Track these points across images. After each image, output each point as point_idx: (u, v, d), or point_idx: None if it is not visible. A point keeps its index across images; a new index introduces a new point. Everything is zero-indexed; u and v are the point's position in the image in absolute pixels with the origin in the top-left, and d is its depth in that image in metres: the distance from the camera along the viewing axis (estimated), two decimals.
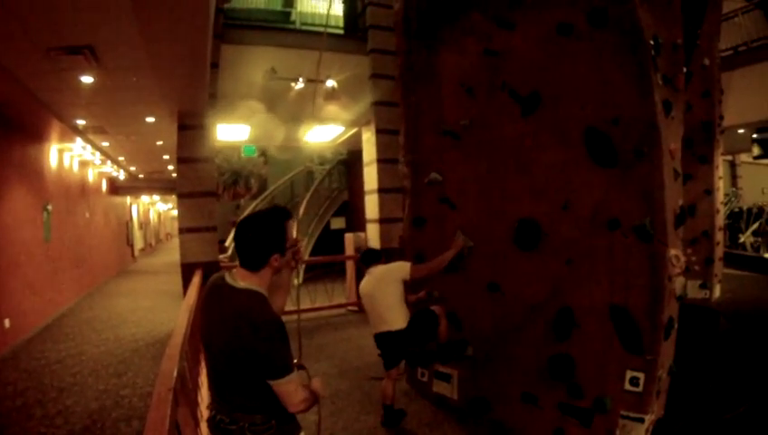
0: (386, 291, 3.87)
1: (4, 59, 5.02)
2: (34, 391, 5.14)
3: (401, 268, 3.91)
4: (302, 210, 12.70)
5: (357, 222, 12.12)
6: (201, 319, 1.88)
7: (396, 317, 3.86)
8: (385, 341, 3.93)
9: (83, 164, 11.73)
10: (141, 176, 17.17)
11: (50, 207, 9.02)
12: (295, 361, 1.77)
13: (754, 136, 11.91)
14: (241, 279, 1.77)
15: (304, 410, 1.76)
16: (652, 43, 3.12)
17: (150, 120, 8.32)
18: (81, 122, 8.33)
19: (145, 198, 24.29)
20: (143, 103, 7.26)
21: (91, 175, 12.80)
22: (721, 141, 7.66)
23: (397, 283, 3.88)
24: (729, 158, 17.67)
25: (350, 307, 8.47)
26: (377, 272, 3.98)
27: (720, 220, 7.69)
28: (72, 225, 10.78)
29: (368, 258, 4.11)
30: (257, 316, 1.66)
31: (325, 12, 7.70)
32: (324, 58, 7.38)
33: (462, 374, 4.14)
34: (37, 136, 8.48)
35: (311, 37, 8.20)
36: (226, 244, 12.28)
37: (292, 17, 9.57)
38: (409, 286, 4.14)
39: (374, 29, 8.41)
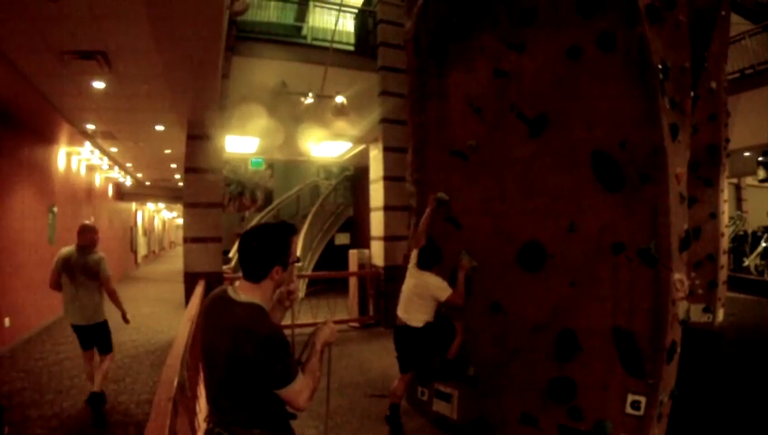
0: (421, 300, 3.99)
1: (18, 60, 5.08)
2: (31, 392, 5.14)
3: (443, 290, 3.93)
4: (306, 224, 12.69)
5: (361, 238, 12.12)
6: (201, 330, 1.88)
7: (419, 318, 3.98)
8: (402, 333, 4.05)
9: (91, 168, 11.79)
10: (148, 183, 17.25)
11: (55, 210, 9.07)
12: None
13: (760, 159, 11.85)
14: (243, 292, 1.78)
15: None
16: (660, 66, 3.14)
17: (160, 128, 8.38)
18: (90, 127, 8.40)
19: (150, 206, 24.35)
20: (153, 111, 7.32)
21: (97, 179, 12.86)
22: (727, 164, 7.65)
23: (433, 299, 3.97)
24: (734, 181, 17.61)
25: (351, 323, 8.45)
26: (426, 278, 4.00)
27: (725, 244, 7.65)
28: (76, 228, 10.79)
29: (426, 261, 4.07)
30: (257, 330, 1.66)
31: (336, 27, 7.77)
32: (334, 74, 7.45)
33: (462, 394, 4.11)
34: (46, 138, 8.55)
35: (321, 52, 8.27)
36: (230, 255, 12.28)
37: (304, 32, 9.64)
38: None
39: (384, 46, 8.49)
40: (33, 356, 6.52)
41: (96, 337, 4.68)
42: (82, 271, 4.52)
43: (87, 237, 4.68)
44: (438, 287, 3.94)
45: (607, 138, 3.21)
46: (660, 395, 3.00)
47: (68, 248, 4.67)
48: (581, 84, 3.34)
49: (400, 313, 4.10)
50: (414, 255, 4.19)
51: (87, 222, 4.90)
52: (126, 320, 4.86)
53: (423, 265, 4.05)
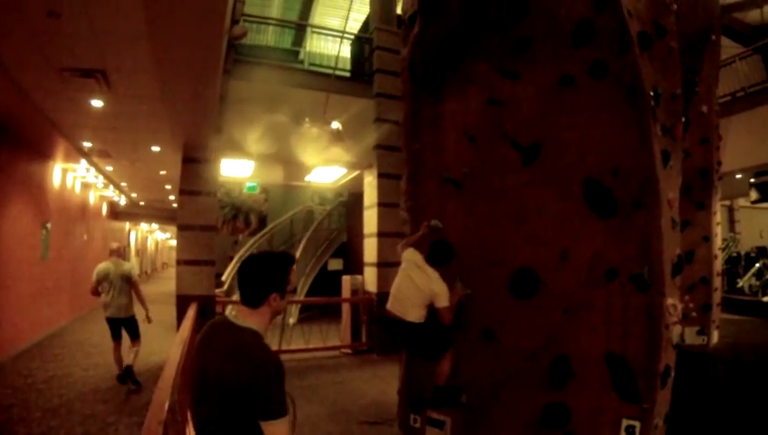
0: (419, 295, 3.85)
1: (17, 74, 5.09)
2: (19, 409, 5.08)
3: (443, 296, 3.79)
4: (300, 249, 12.65)
5: (355, 264, 12.00)
6: (196, 355, 1.88)
7: (414, 312, 3.86)
8: (398, 326, 3.93)
9: (86, 186, 11.79)
10: (142, 203, 17.20)
11: (49, 226, 9.05)
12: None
13: (752, 180, 11.92)
14: (241, 317, 1.81)
15: None
16: (652, 93, 3.20)
17: (156, 149, 8.40)
18: (87, 145, 8.41)
19: (144, 226, 24.31)
20: (150, 132, 7.35)
21: (92, 197, 12.85)
22: (719, 187, 7.71)
23: (430, 298, 3.83)
24: (727, 203, 17.74)
25: (343, 350, 8.37)
26: (433, 275, 3.86)
27: (718, 266, 7.67)
28: (69, 245, 10.77)
29: (438, 256, 3.95)
30: (256, 355, 1.68)
31: (333, 53, 7.85)
32: (330, 99, 7.51)
33: (455, 421, 4.04)
34: (43, 154, 8.57)
35: (317, 78, 8.35)
36: (223, 278, 12.21)
37: (301, 56, 9.73)
38: None
39: (380, 73, 8.52)
40: (21, 373, 6.45)
41: (127, 328, 6.11)
42: (119, 277, 5.98)
43: (116, 254, 6.25)
44: (441, 289, 3.79)
45: (599, 165, 3.25)
46: (655, 419, 3.00)
47: (103, 263, 6.10)
48: (574, 112, 3.39)
49: (396, 308, 3.93)
50: (408, 253, 4.08)
51: (115, 244, 6.53)
52: (149, 319, 6.24)
53: (434, 261, 3.93)
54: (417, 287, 3.86)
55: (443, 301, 3.80)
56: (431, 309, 3.91)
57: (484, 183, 3.96)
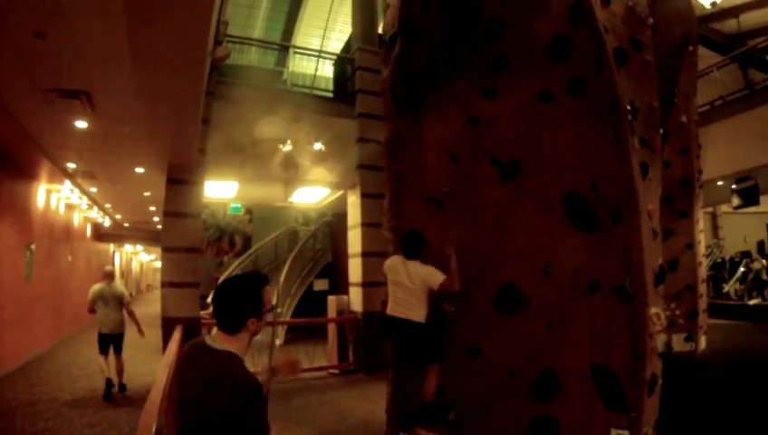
0: (416, 297, 3.86)
1: (2, 94, 5.08)
2: (4, 433, 5.01)
3: (435, 276, 3.77)
4: (285, 270, 12.58)
5: (340, 284, 11.95)
6: (177, 379, 1.87)
7: (417, 312, 3.86)
8: (401, 326, 3.91)
9: (70, 207, 11.69)
10: (126, 224, 17.11)
11: (33, 247, 8.94)
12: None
13: (734, 187, 12.15)
14: (219, 342, 1.80)
15: None
16: (629, 107, 3.26)
17: (140, 170, 8.38)
18: (71, 166, 8.38)
19: (128, 247, 24.11)
20: (134, 153, 7.34)
21: (76, 219, 12.75)
22: (701, 196, 7.83)
23: (427, 288, 3.83)
24: (710, 210, 17.99)
25: (330, 370, 8.33)
26: (416, 269, 3.87)
27: (703, 273, 7.76)
28: (54, 267, 10.65)
29: (410, 247, 3.96)
30: (234, 377, 1.67)
31: (316, 73, 7.88)
32: (313, 120, 7.54)
33: None
34: (27, 174, 8.50)
35: (301, 98, 8.36)
36: (208, 300, 12.15)
37: (284, 76, 9.74)
38: None
39: (363, 93, 8.53)
40: (6, 396, 6.35)
41: (115, 342, 6.72)
42: (112, 297, 6.66)
43: (110, 277, 6.90)
44: (429, 274, 3.79)
45: (578, 180, 3.28)
46: (644, 428, 3.01)
47: (98, 285, 6.73)
48: (553, 128, 3.43)
49: (400, 311, 3.93)
50: (387, 262, 4.12)
51: (109, 267, 7.36)
52: (141, 333, 6.85)
53: (409, 253, 3.94)
54: (408, 287, 3.87)
55: (437, 278, 3.76)
56: (432, 310, 3.92)
57: (465, 201, 3.97)
